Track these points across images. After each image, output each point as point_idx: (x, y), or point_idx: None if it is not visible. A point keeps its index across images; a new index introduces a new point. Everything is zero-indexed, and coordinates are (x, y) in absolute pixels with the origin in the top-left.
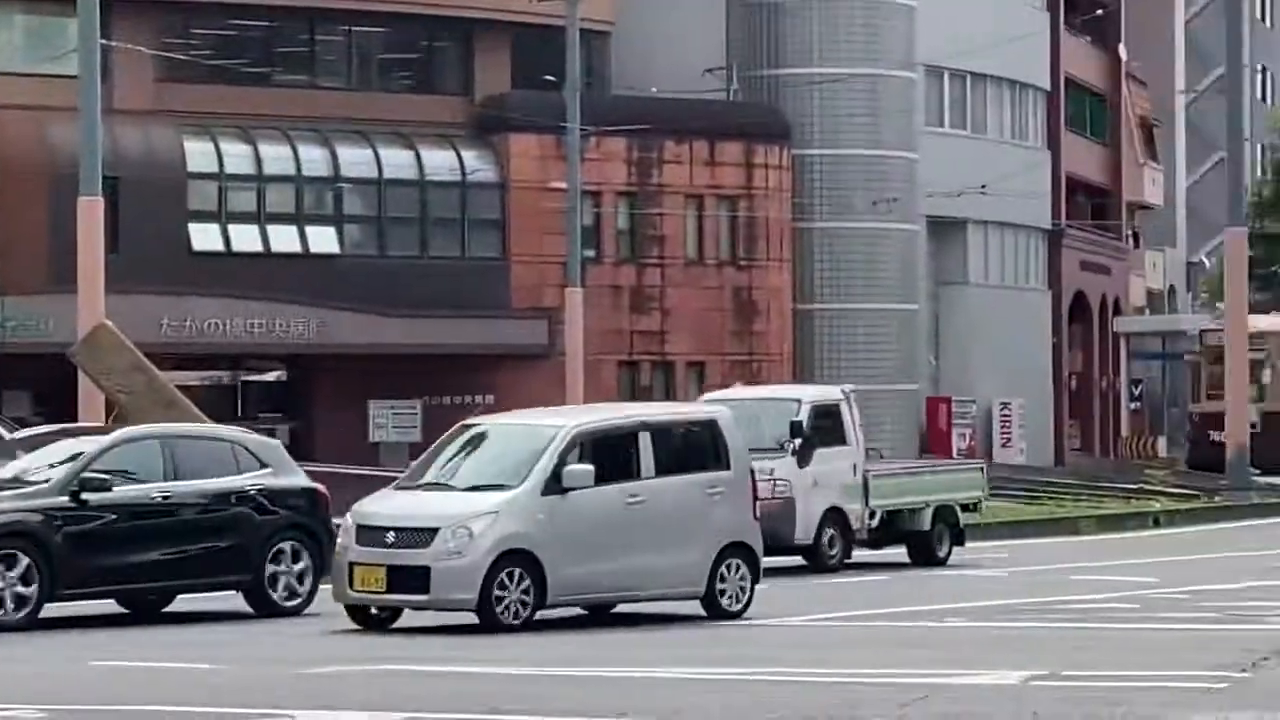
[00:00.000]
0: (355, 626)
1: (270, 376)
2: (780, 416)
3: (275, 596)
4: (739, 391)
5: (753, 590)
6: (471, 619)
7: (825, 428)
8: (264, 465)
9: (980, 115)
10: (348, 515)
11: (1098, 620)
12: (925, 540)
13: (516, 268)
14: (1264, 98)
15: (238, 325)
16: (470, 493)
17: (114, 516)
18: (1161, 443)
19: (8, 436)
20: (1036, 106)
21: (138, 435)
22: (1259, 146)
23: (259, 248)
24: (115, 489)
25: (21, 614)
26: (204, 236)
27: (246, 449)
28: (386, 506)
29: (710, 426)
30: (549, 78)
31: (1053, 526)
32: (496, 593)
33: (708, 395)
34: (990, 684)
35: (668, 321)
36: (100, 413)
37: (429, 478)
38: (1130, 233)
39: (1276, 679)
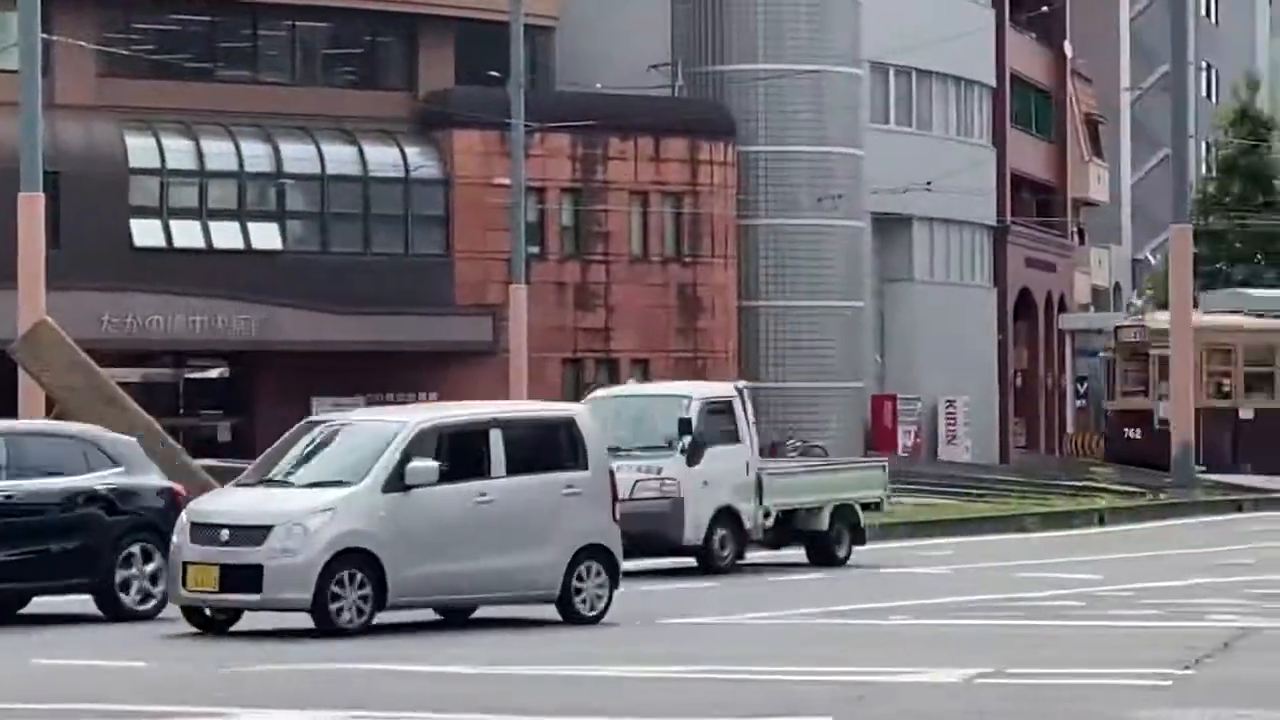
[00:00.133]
0: (193, 629)
1: (213, 373)
2: (670, 414)
3: (127, 600)
4: (629, 388)
5: (611, 594)
6: (307, 620)
7: (717, 425)
8: (116, 464)
9: (925, 112)
10: (183, 513)
11: (1043, 618)
12: (824, 540)
13: (460, 264)
14: (1209, 95)
15: (179, 321)
16: (309, 489)
17: None
18: None
19: None
20: (982, 103)
21: None
22: (1204, 143)
23: (201, 244)
24: None
25: None
26: (146, 232)
27: (99, 447)
28: (222, 504)
29: (568, 425)
30: (493, 73)
31: (998, 524)
32: (333, 592)
33: (596, 392)
34: (934, 682)
35: (612, 318)
36: (41, 410)
37: (269, 475)
38: (1075, 230)
39: (1219, 676)
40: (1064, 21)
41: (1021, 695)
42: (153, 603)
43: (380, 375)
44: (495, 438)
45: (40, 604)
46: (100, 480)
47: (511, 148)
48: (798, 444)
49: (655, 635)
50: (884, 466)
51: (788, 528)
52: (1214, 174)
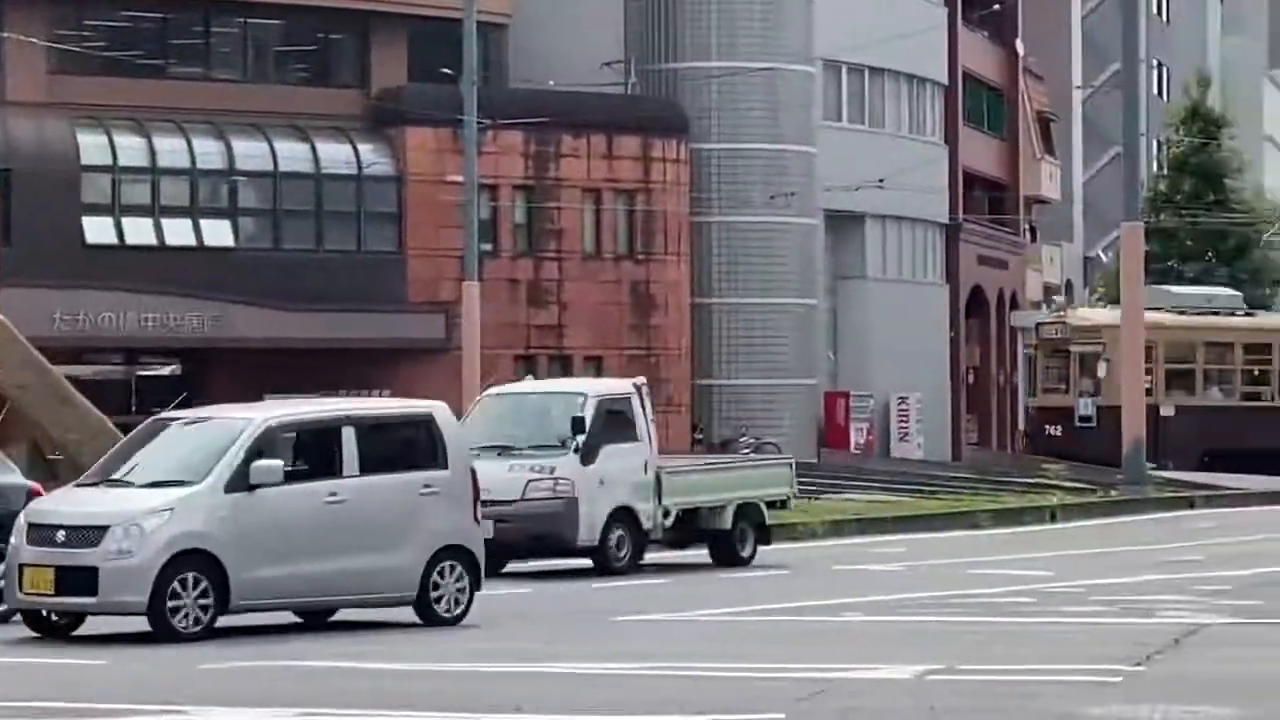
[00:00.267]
0: (33, 634)
1: (165, 370)
2: (565, 412)
3: None
4: (524, 386)
5: (472, 596)
6: (144, 624)
7: (615, 423)
8: None
9: (878, 110)
10: (21, 514)
11: (995, 614)
12: (727, 540)
13: (413, 261)
14: (1160, 93)
15: (132, 319)
16: (148, 489)
17: None
18: None
19: None
20: (934, 101)
21: None
22: (1155, 142)
23: (153, 241)
24: None
25: None
26: (98, 229)
27: None
28: (61, 504)
29: (427, 422)
30: (446, 71)
31: (950, 521)
32: (172, 595)
33: (490, 390)
34: (886, 678)
35: (565, 315)
36: None
37: (111, 474)
38: (1027, 227)
39: (1169, 672)
40: (1016, 20)
41: (973, 691)
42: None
43: (333, 372)
44: (348, 436)
45: None
46: None
47: (464, 145)
48: (751, 441)
49: (608, 632)
50: (790, 464)
51: (691, 527)
52: (1165, 172)
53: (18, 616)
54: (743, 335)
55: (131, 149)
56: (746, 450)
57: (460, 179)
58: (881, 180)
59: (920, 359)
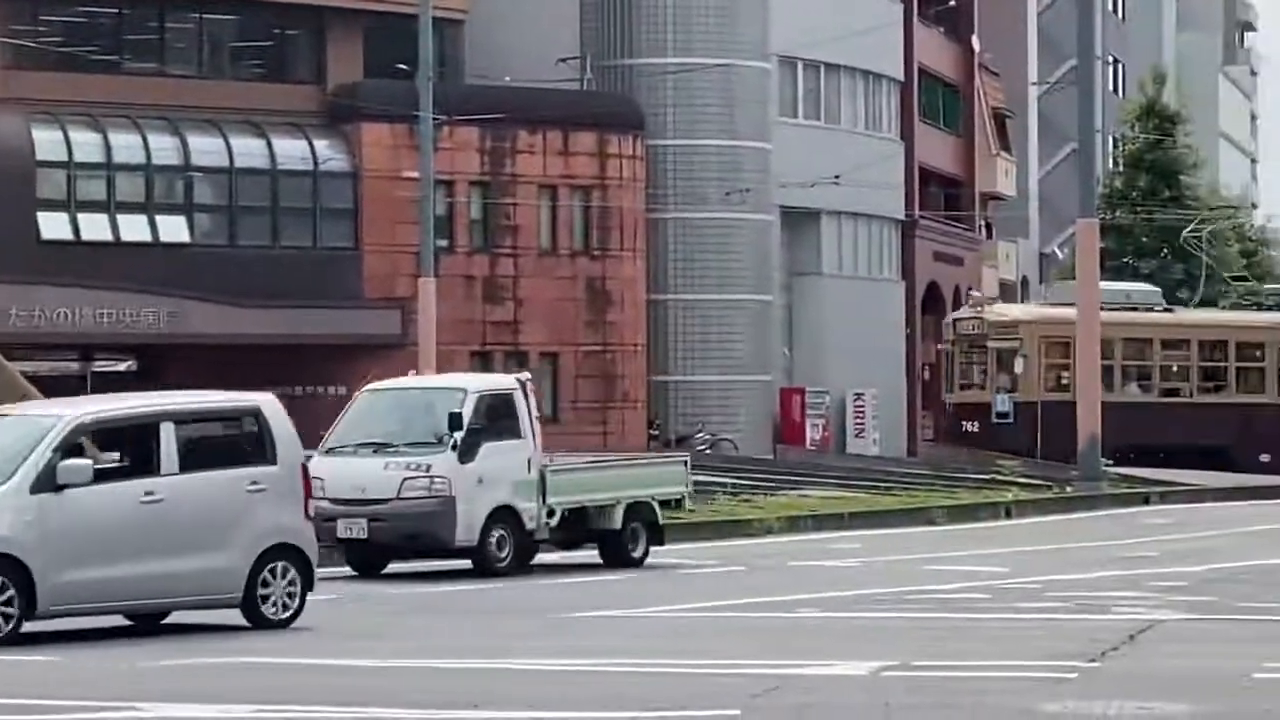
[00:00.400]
0: None
1: (121, 366)
2: (446, 408)
3: None
4: (404, 380)
5: (304, 597)
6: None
7: (496, 420)
8: None
9: (834, 106)
10: None
11: (950, 610)
12: (616, 540)
13: (369, 257)
14: (1115, 90)
15: (87, 315)
16: None
17: None
18: None
19: None
20: (890, 97)
21: None
22: (1110, 138)
23: (109, 237)
24: None
25: None
26: (53, 225)
27: None
28: None
29: (255, 417)
30: (402, 66)
31: (906, 517)
32: None
33: (370, 385)
34: (842, 674)
35: (521, 312)
36: None
37: None
38: (983, 224)
39: (1124, 668)
40: (972, 16)
41: (928, 687)
42: None
43: (289, 368)
44: (166, 432)
45: None
46: None
47: (420, 141)
48: (707, 437)
49: (563, 628)
50: (685, 462)
51: (580, 527)
52: (1121, 168)
53: None
54: (698, 331)
55: (87, 145)
56: (702, 447)
57: (416, 175)
58: (837, 176)
59: (876, 355)
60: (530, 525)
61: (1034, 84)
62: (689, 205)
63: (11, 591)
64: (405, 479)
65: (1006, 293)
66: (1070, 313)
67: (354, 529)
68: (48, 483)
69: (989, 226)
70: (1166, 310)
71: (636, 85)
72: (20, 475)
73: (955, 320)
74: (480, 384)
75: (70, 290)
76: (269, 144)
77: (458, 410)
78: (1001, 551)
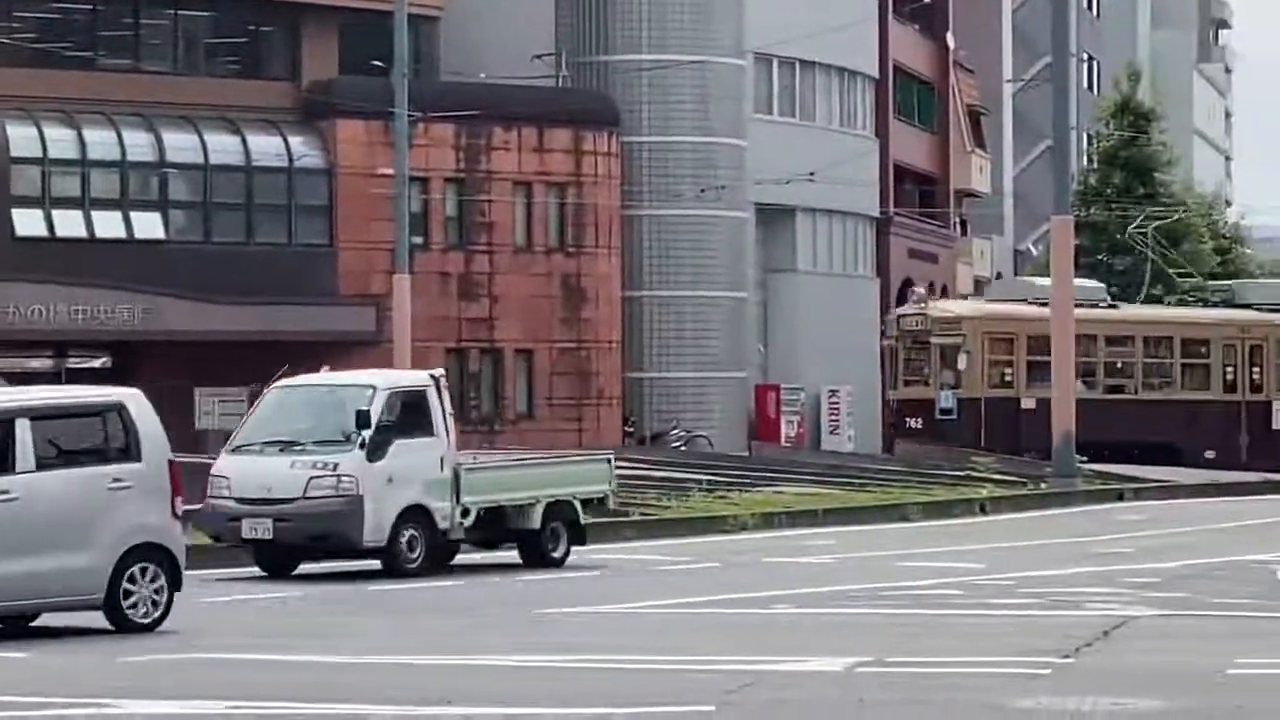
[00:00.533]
0: None
1: (96, 363)
2: (354, 405)
3: None
4: (314, 377)
5: (171, 598)
6: None
7: (408, 417)
8: None
9: (809, 103)
10: None
11: (924, 606)
12: (535, 540)
13: (344, 254)
14: (1090, 87)
15: (62, 312)
16: None
17: None
18: None
19: None
20: (865, 94)
21: None
22: (1085, 135)
23: (83, 233)
24: None
25: None
26: (27, 222)
27: None
28: None
29: (118, 412)
30: (377, 63)
31: (880, 513)
32: None
33: (280, 381)
34: (816, 670)
35: (496, 308)
36: None
37: None
38: (957, 221)
39: (1098, 664)
40: (946, 13)
41: (902, 683)
42: None
43: (264, 365)
44: (22, 428)
45: None
46: None
47: (395, 137)
48: (682, 434)
49: (534, 625)
50: (609, 460)
51: (498, 526)
52: (1095, 165)
53: None
54: (673, 328)
55: (61, 141)
56: (677, 444)
57: (391, 172)
58: (812, 173)
59: (851, 352)
60: (444, 525)
61: (1009, 81)
62: (664, 202)
63: None
64: (311, 478)
65: (981, 290)
66: (1013, 309)
67: (259, 529)
68: None
69: (964, 223)
70: (1111, 307)
71: (611, 82)
72: None
73: (899, 316)
74: (391, 381)
75: (45, 287)
76: (244, 140)
77: (365, 408)
78: (976, 548)
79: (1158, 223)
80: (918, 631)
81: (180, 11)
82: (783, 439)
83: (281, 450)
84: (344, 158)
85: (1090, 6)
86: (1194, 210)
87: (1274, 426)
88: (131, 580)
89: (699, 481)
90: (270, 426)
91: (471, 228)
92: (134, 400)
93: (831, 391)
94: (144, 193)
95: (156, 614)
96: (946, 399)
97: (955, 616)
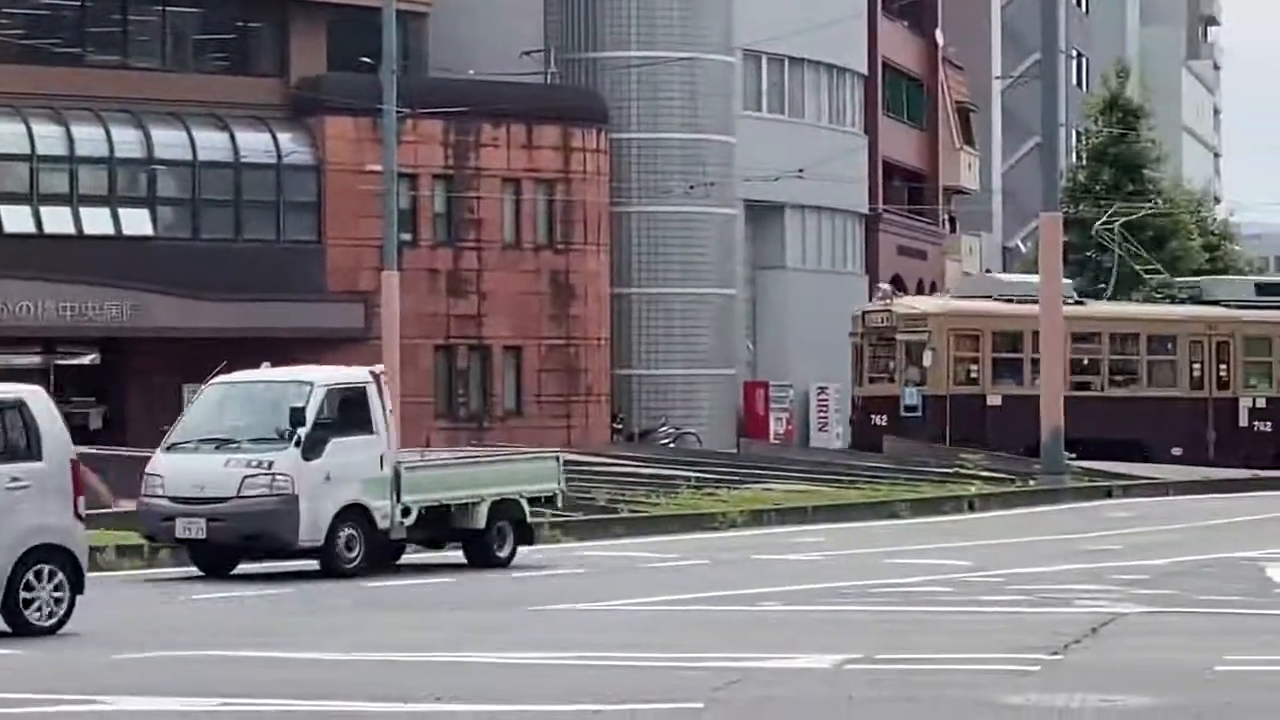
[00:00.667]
0: None
1: (83, 360)
2: (290, 402)
3: None
4: (252, 374)
5: (73, 600)
6: None
7: (347, 415)
8: None
9: (798, 99)
10: None
11: (913, 603)
12: (480, 539)
13: (332, 251)
14: (1079, 84)
15: (50, 308)
16: None
17: None
18: None
19: None
20: (854, 91)
21: None
22: (1074, 132)
23: (71, 230)
24: None
25: None
26: (15, 218)
27: None
28: None
29: (17, 409)
30: (365, 59)
31: (869, 510)
32: None
33: (216, 378)
34: (804, 667)
35: (485, 305)
36: None
37: None
38: (946, 217)
39: (1087, 661)
40: (935, 10)
41: (890, 680)
42: None
43: (252, 362)
44: None
45: None
46: None
47: (383, 134)
48: (670, 431)
49: (526, 621)
50: (557, 458)
51: (442, 525)
52: (1084, 162)
53: None
54: (662, 325)
55: (49, 138)
56: (666, 441)
57: (379, 168)
58: (801, 170)
59: (840, 349)
60: (384, 524)
61: (998, 78)
62: (652, 199)
63: None
64: (245, 477)
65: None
66: (979, 306)
67: (192, 529)
68: None
69: (952, 220)
70: (1078, 303)
71: (600, 79)
72: None
73: (864, 313)
74: (329, 377)
75: (32, 283)
76: (232, 137)
77: (301, 405)
78: (964, 545)
79: (1125, 219)
80: (906, 628)
81: (168, 8)
82: (771, 436)
83: (216, 448)
84: (332, 154)
85: (1079, 3)
86: (1183, 207)
87: (1241, 423)
88: (30, 583)
89: (688, 478)
90: (206, 424)
91: (460, 224)
92: (35, 397)
93: (820, 389)
94: (132, 189)
95: (56, 618)
96: (911, 396)
97: (944, 613)
